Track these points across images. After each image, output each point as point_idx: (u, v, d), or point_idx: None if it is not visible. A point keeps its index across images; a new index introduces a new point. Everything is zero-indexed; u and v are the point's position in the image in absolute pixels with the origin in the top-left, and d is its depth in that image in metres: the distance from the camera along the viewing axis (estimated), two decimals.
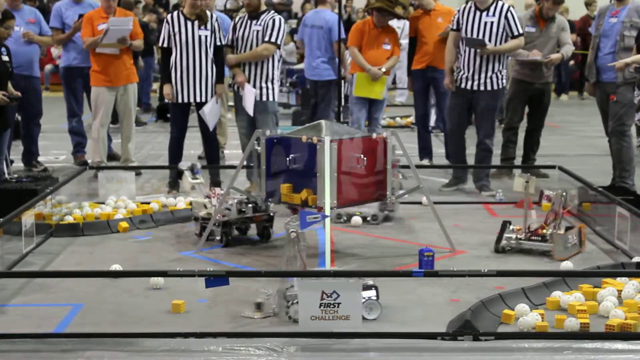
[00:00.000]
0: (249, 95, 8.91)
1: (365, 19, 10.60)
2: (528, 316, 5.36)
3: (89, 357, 4.94)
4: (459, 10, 9.35)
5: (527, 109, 10.40)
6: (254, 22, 8.97)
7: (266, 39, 8.90)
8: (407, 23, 12.09)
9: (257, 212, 7.39)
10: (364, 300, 5.37)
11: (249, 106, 8.92)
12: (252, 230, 7.54)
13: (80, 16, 10.33)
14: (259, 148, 7.05)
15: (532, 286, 5.90)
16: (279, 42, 8.96)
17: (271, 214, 7.43)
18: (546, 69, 10.01)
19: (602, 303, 5.63)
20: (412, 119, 13.55)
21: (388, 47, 9.97)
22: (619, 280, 6.02)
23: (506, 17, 9.10)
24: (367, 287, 5.49)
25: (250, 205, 7.35)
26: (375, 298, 5.48)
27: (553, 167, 9.50)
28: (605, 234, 7.44)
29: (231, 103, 14.53)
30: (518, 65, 10.09)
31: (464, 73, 9.21)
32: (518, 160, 10.44)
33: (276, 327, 5.34)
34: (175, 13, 9.21)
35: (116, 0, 10.11)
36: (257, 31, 8.93)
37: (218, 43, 9.16)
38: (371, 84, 9.89)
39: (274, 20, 8.94)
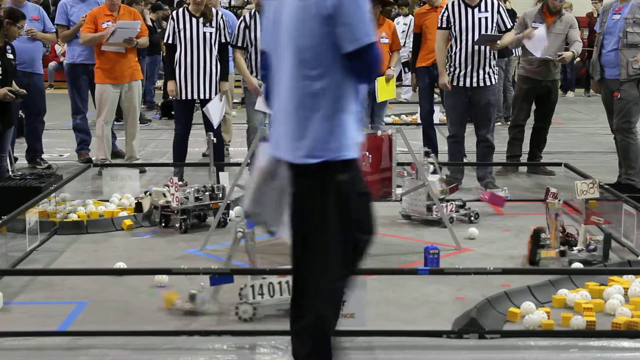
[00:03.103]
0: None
1: None
2: (534, 314, 5.33)
3: (93, 355, 4.92)
4: (446, 8, 9.30)
5: (534, 106, 10.37)
6: None
7: None
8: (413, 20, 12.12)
9: (214, 199, 7.68)
10: None
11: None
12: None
13: None
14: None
15: (538, 284, 5.88)
16: None
17: (228, 202, 7.62)
18: (553, 67, 9.98)
19: (609, 301, 5.61)
20: (417, 116, 13.52)
21: (386, 40, 9.97)
22: (625, 278, 6.00)
23: (499, 12, 9.11)
24: None
25: (207, 193, 7.69)
26: None
27: (559, 164, 9.49)
28: (612, 231, 7.40)
29: (236, 100, 14.61)
30: (525, 63, 10.06)
31: (460, 71, 9.15)
32: (524, 158, 10.42)
33: (280, 325, 5.32)
34: (180, 10, 9.21)
35: None
36: None
37: (223, 40, 9.15)
38: (387, 85, 9.90)
39: None
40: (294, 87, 3.71)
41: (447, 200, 7.81)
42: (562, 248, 6.58)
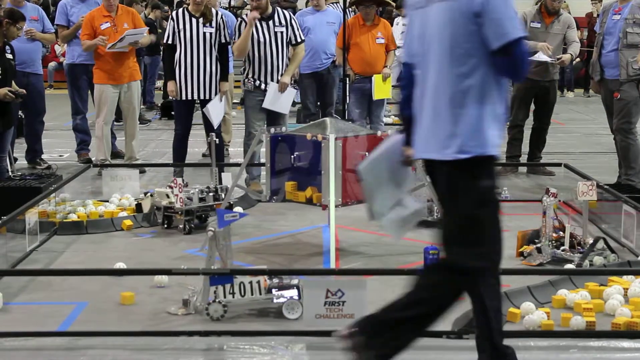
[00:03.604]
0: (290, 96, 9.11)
1: (354, 15, 10.59)
2: (534, 314, 5.33)
3: (92, 355, 4.92)
4: None
5: (532, 107, 10.36)
6: (270, 23, 8.91)
7: (298, 40, 9.04)
8: None
9: (217, 200, 7.65)
10: (285, 299, 5.42)
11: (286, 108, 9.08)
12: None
13: None
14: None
15: (538, 284, 5.87)
16: (304, 37, 9.25)
17: (230, 203, 7.62)
18: (552, 67, 9.97)
19: (608, 301, 5.61)
20: None
21: (382, 40, 9.97)
22: (625, 279, 5.99)
23: None
24: (289, 287, 5.49)
25: (211, 194, 7.66)
26: (297, 298, 5.45)
27: (559, 164, 9.48)
28: (612, 232, 7.40)
29: (236, 101, 14.60)
30: None
31: None
32: (524, 158, 10.41)
33: (279, 325, 5.32)
34: (180, 10, 9.21)
35: None
36: (281, 32, 8.90)
37: (223, 40, 9.15)
38: (384, 84, 9.91)
39: (292, 19, 9.06)
40: (444, 85, 3.90)
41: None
42: (539, 245, 6.62)
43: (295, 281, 5.54)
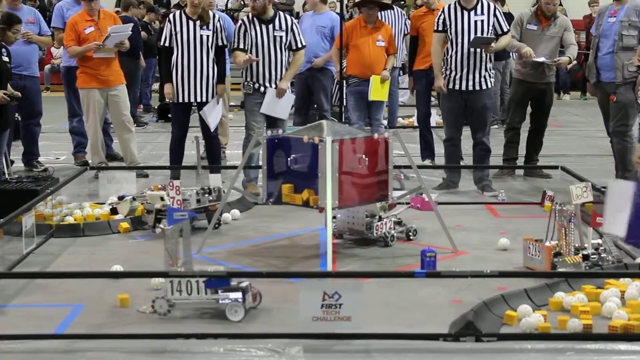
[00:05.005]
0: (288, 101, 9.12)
1: (356, 17, 10.59)
2: (531, 317, 5.33)
3: (89, 357, 4.92)
4: (442, 11, 9.28)
5: (529, 109, 10.37)
6: (270, 26, 8.91)
7: (299, 45, 9.02)
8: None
9: (212, 202, 7.66)
10: (229, 301, 5.43)
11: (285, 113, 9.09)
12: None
13: None
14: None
15: (535, 287, 5.87)
16: (305, 43, 9.19)
17: (229, 204, 7.71)
18: (548, 69, 9.98)
19: (605, 304, 5.60)
20: (414, 119, 13.51)
21: (382, 43, 9.96)
22: (622, 281, 5.99)
23: (495, 15, 9.11)
24: (234, 289, 5.49)
25: (207, 195, 7.66)
26: (241, 300, 5.45)
27: (556, 167, 9.49)
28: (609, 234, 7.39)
29: (233, 103, 14.60)
30: (520, 66, 10.06)
31: (456, 74, 9.14)
32: (520, 161, 10.42)
33: (276, 328, 5.32)
34: (177, 12, 9.22)
35: (98, 2, 10.04)
36: (281, 37, 8.89)
37: (220, 43, 9.16)
38: (382, 86, 9.91)
39: (294, 24, 9.03)
40: None
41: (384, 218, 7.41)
42: (584, 252, 6.43)
43: (244, 284, 5.53)
